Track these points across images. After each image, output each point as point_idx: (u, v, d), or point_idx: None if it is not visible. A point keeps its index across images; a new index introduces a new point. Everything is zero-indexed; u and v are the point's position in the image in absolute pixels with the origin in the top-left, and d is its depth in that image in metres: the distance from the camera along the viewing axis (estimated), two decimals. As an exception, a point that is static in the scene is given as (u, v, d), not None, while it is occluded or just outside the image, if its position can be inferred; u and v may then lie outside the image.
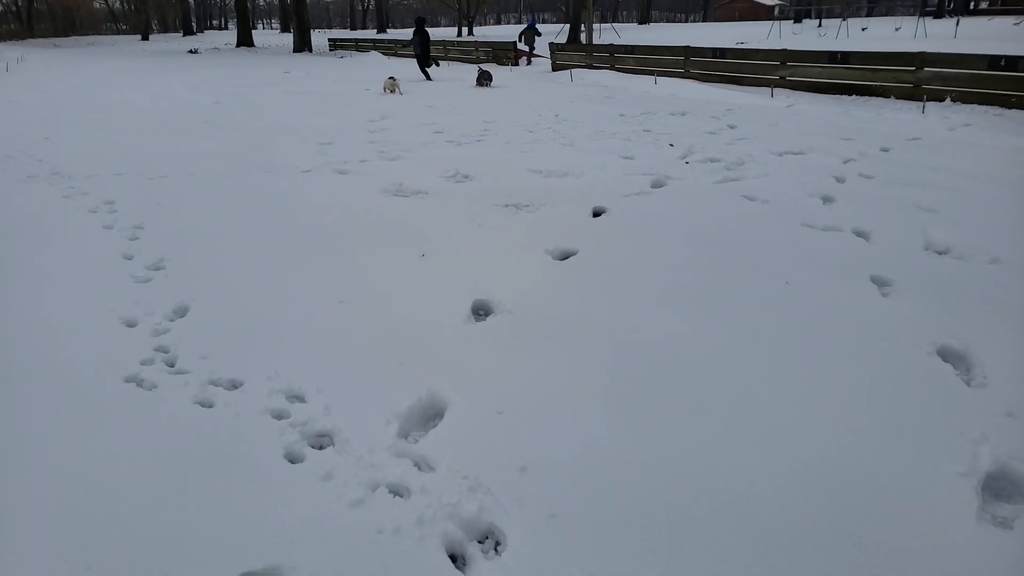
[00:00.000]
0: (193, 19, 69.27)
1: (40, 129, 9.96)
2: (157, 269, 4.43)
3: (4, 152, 8.10)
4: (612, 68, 19.43)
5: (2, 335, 3.49)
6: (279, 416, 2.85)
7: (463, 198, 6.24)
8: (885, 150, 7.96)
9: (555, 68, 21.47)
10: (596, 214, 5.74)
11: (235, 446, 2.66)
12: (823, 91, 14.12)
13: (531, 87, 16.53)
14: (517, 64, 23.41)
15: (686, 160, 7.48)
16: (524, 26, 29.18)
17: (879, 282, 4.24)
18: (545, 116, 11.16)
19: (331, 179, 6.93)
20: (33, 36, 57.95)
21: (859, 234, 5.11)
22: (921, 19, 34.29)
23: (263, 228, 5.30)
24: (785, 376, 3.14)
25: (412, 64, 20.81)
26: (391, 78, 15.89)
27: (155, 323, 3.62)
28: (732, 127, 9.76)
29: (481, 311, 3.90)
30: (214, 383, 3.08)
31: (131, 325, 3.61)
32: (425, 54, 19.70)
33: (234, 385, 3.08)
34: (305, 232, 5.21)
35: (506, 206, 5.92)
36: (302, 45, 35.55)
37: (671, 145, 8.32)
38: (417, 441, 2.73)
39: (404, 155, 8.11)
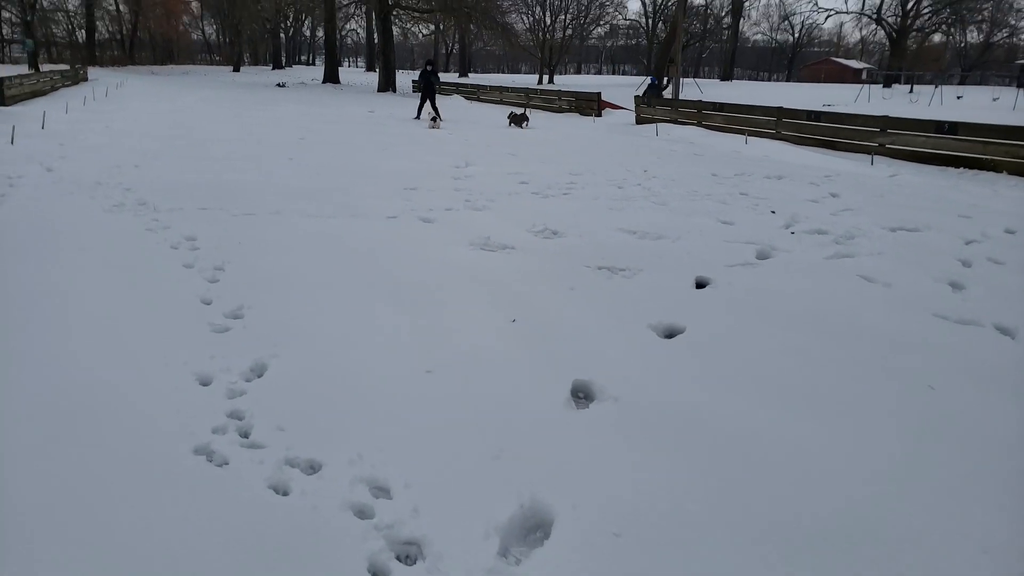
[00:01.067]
0: (283, 54, 72.19)
1: (131, 156, 10.11)
2: (236, 317, 4.17)
3: (95, 178, 8.17)
4: (699, 125, 19.03)
5: (69, 386, 3.24)
6: (362, 513, 2.48)
7: (553, 256, 5.89)
8: (1010, 232, 7.29)
9: (639, 122, 21.20)
10: (700, 285, 5.30)
11: (312, 547, 2.30)
12: (926, 161, 13.40)
13: (615, 140, 16.25)
14: (600, 115, 23.26)
15: (791, 230, 6.98)
16: (646, 83, 27.32)
17: (1041, 395, 3.66)
18: (634, 171, 10.80)
19: (416, 227, 6.68)
20: (133, 63, 61.15)
21: (1003, 331, 4.52)
22: (1020, 89, 32.93)
23: (347, 277, 5.03)
24: (942, 519, 2.61)
25: (492, 108, 20.81)
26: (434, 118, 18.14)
27: (231, 382, 3.33)
28: (834, 195, 9.20)
29: (581, 394, 3.49)
30: (291, 463, 2.74)
31: (205, 383, 3.33)
32: (429, 94, 19.96)
33: (312, 468, 2.73)
34: (390, 284, 4.92)
35: (599, 268, 5.54)
36: (386, 85, 36.37)
37: (772, 212, 7.82)
38: (520, 562, 2.32)
39: (489, 205, 7.84)
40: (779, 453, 2.96)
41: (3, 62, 45.90)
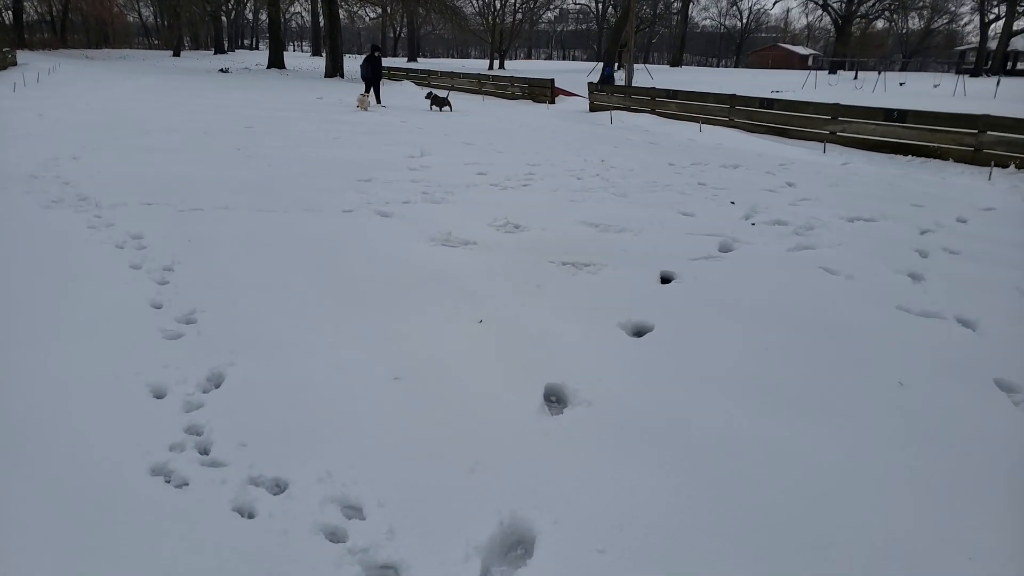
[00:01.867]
0: (225, 38, 70.16)
1: (69, 147, 9.63)
2: (189, 322, 3.96)
3: (29, 171, 7.74)
4: (652, 112, 19.09)
5: (3, 407, 3.01)
6: (334, 536, 2.35)
7: (516, 251, 5.78)
8: (962, 221, 7.45)
9: (592, 109, 21.18)
10: (665, 280, 5.25)
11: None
12: (876, 149, 13.68)
13: (571, 129, 16.18)
14: (554, 102, 23.16)
15: (752, 222, 7.00)
16: (601, 72, 26.90)
17: (1006, 388, 3.71)
18: (591, 161, 10.74)
19: (374, 222, 6.49)
20: (65, 46, 58.61)
21: (964, 323, 4.59)
22: (959, 76, 33.93)
23: (304, 276, 4.84)
24: (927, 522, 2.60)
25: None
26: (363, 95, 19.09)
27: (187, 394, 3.14)
28: (791, 184, 9.28)
29: (555, 398, 3.40)
30: (255, 482, 2.59)
31: (160, 396, 3.13)
32: (375, 80, 20.69)
33: (279, 486, 2.59)
34: (350, 284, 4.75)
35: (564, 264, 5.45)
36: (334, 71, 35.65)
37: (732, 203, 7.85)
38: (503, 585, 2.22)
39: (448, 198, 7.69)
40: (759, 455, 2.92)
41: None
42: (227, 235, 5.69)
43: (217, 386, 3.27)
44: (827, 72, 46.73)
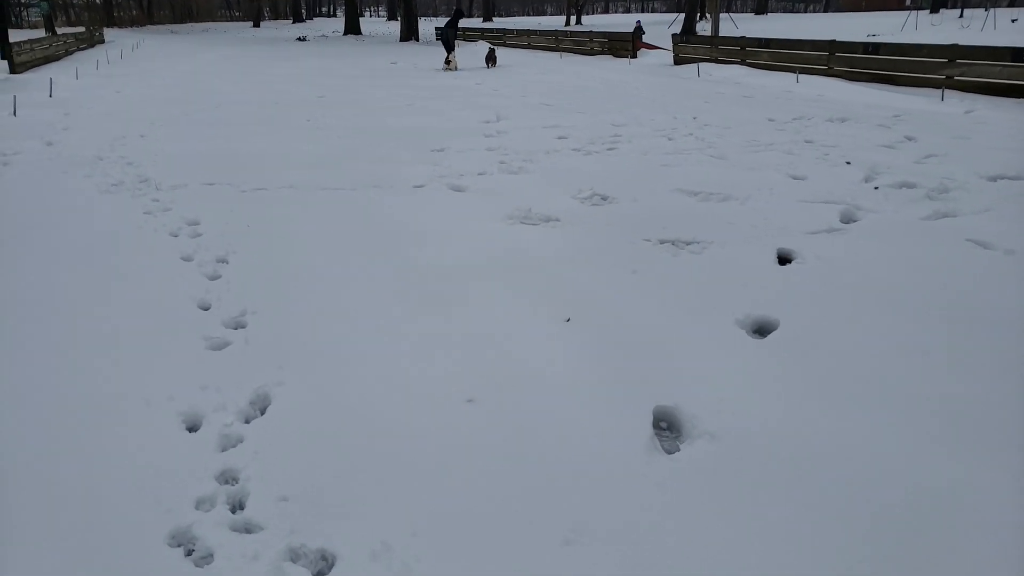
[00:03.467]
0: (303, 6, 70.62)
1: (138, 125, 9.42)
2: (238, 327, 3.49)
3: (95, 152, 7.49)
4: (742, 63, 17.75)
5: (7, 440, 2.58)
6: (390, 644, 1.80)
7: (605, 228, 5.10)
8: None
9: (677, 62, 19.92)
10: (783, 260, 4.48)
11: None
12: (1002, 94, 12.14)
13: (655, 84, 15.15)
14: (635, 56, 21.97)
15: (874, 185, 6.07)
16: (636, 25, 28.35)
17: None
18: (682, 119, 9.84)
19: (447, 198, 5.91)
20: (152, 23, 60.24)
21: None
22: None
23: (367, 267, 4.31)
24: None
25: (520, 53, 19.72)
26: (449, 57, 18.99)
27: (225, 424, 2.65)
28: (910, 139, 8.18)
29: (666, 426, 2.75)
30: (295, 555, 2.06)
31: (193, 428, 2.65)
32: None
33: (324, 559, 2.05)
34: (417, 275, 4.18)
35: (662, 242, 4.74)
36: (408, 34, 35.10)
37: (848, 163, 6.89)
38: None
39: (527, 167, 7.02)
40: (948, 507, 2.21)
41: (21, 27, 45.32)
42: (288, 219, 5.22)
43: (262, 412, 2.76)
44: (928, 12, 42.96)
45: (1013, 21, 33.15)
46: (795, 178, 6.39)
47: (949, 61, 13.22)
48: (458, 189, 6.20)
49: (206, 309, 3.66)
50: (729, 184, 6.17)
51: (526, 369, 3.08)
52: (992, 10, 36.38)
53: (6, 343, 3.29)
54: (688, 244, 4.70)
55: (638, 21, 29.80)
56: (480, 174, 6.73)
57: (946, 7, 47.01)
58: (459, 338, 3.39)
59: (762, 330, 3.51)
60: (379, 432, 2.61)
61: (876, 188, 5.98)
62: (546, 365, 3.11)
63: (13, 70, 16.78)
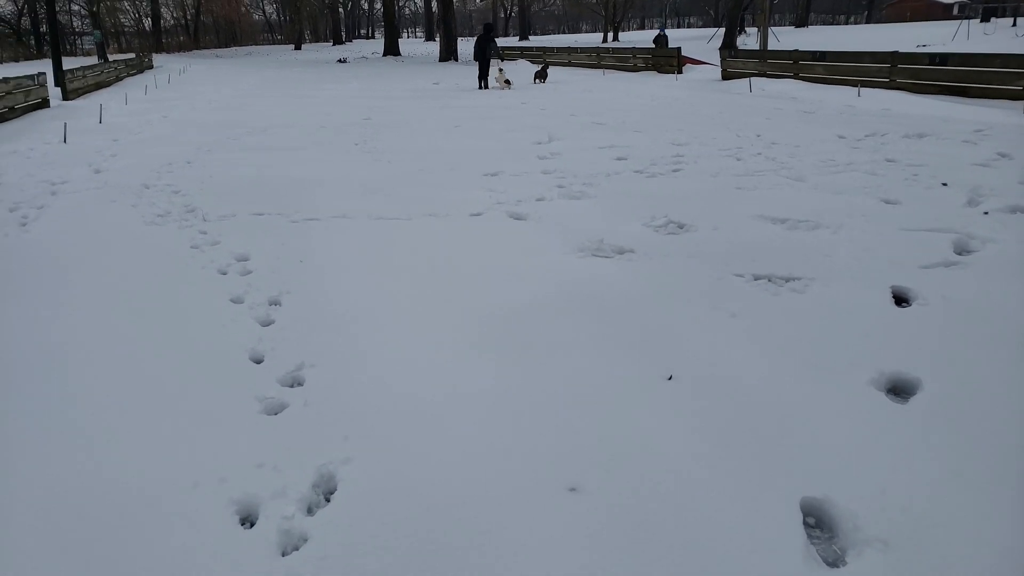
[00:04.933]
0: (343, 29, 71.59)
1: (185, 150, 9.21)
2: (294, 385, 3.08)
3: (142, 180, 7.24)
4: (795, 77, 17.15)
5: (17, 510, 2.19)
6: None
7: (686, 261, 4.63)
8: None
9: (725, 77, 19.37)
10: (899, 300, 3.95)
11: None
12: (1085, 106, 11.41)
13: (708, 100, 14.62)
14: (681, 72, 21.47)
15: (983, 210, 5.49)
16: (657, 33, 28.24)
17: None
18: (746, 137, 9.32)
19: (507, 227, 5.50)
20: (198, 47, 61.52)
21: None
22: None
23: (433, 308, 3.90)
24: None
25: (562, 71, 19.39)
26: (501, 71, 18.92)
27: (285, 517, 2.23)
28: (1005, 156, 7.56)
29: (817, 524, 2.24)
30: None
31: (248, 520, 2.24)
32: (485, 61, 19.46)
33: None
34: (489, 318, 3.75)
35: (756, 279, 4.25)
36: (448, 54, 35.09)
37: (944, 184, 6.31)
38: None
39: (587, 191, 6.58)
40: None
41: (75, 54, 46.51)
42: (344, 253, 4.84)
43: (327, 498, 2.34)
44: (979, 20, 41.52)
45: (1072, 31, 31.88)
46: (888, 202, 5.84)
47: (1026, 71, 12.50)
48: (518, 217, 5.78)
49: (259, 362, 3.27)
50: (815, 210, 5.65)
51: (634, 443, 2.61)
52: (1047, 20, 35.01)
53: (41, 406, 2.93)
54: (787, 281, 4.20)
55: (661, 30, 29.53)
56: (539, 200, 6.30)
57: (997, 16, 45.50)
58: (543, 397, 2.95)
59: (900, 390, 3.00)
60: (463, 526, 2.17)
61: (986, 213, 5.41)
62: (656, 437, 2.64)
63: (66, 96, 16.94)
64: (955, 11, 65.64)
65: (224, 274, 4.45)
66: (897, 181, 6.56)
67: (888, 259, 4.51)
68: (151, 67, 33.05)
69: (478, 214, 5.86)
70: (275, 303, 3.96)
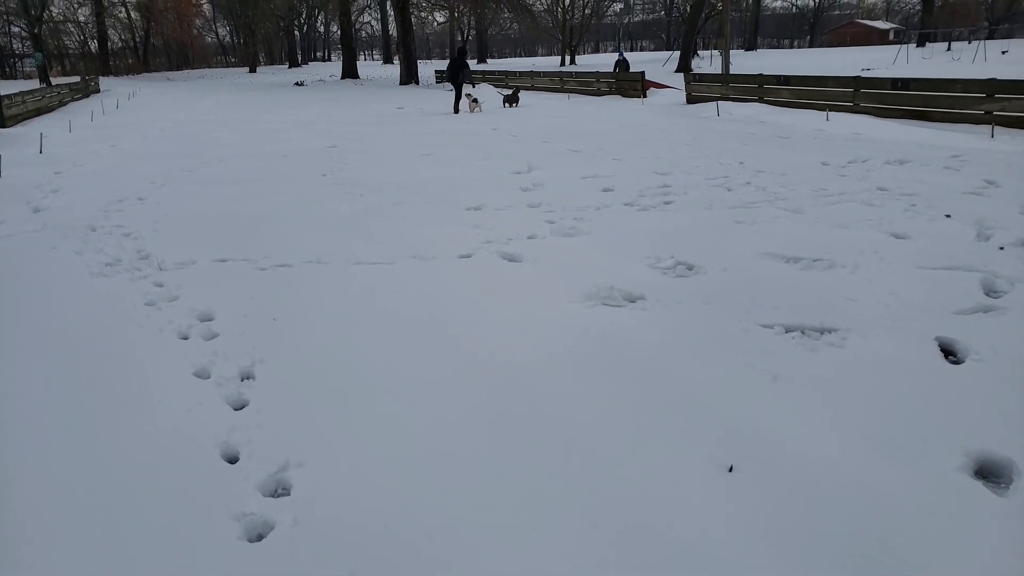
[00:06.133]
0: (299, 51, 70.74)
1: (137, 184, 8.54)
2: (279, 494, 2.54)
3: (88, 221, 6.57)
4: (760, 101, 17.11)
5: None
6: None
7: (704, 308, 4.22)
8: None
9: (690, 101, 19.29)
10: (947, 353, 3.59)
11: None
12: (1049, 129, 11.46)
13: (679, 125, 14.41)
14: (646, 96, 21.36)
15: (999, 245, 5.21)
16: (617, 58, 28.38)
17: None
18: (728, 165, 9.03)
19: (503, 272, 5.03)
20: (148, 70, 59.96)
21: None
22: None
23: (432, 375, 3.40)
24: None
25: (526, 96, 19.10)
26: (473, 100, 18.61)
27: None
28: (992, 183, 7.37)
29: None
30: None
31: None
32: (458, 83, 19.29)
33: None
34: (497, 388, 3.27)
35: (788, 331, 3.85)
36: (408, 77, 34.71)
37: (948, 216, 6.05)
38: None
39: (580, 226, 6.16)
40: None
41: (15, 78, 44.86)
42: (321, 307, 4.31)
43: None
44: (915, 45, 42.69)
45: (1004, 52, 32.94)
46: (896, 237, 5.54)
47: (988, 96, 12.56)
48: (512, 259, 5.32)
49: (233, 461, 2.72)
50: (824, 246, 5.31)
51: (692, 555, 2.15)
52: (982, 42, 36.14)
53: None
54: (821, 333, 3.81)
55: (621, 55, 29.72)
56: (531, 238, 5.86)
57: (931, 41, 46.83)
58: (566, 488, 2.48)
59: (989, 473, 2.60)
60: None
61: (1002, 248, 5.13)
62: (717, 547, 2.19)
63: (3, 124, 15.99)
64: (891, 36, 67.76)
65: (185, 339, 3.88)
66: (897, 212, 6.28)
67: (918, 304, 4.17)
68: (98, 91, 31.83)
69: (467, 255, 5.38)
70: (247, 376, 3.41)
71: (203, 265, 5.17)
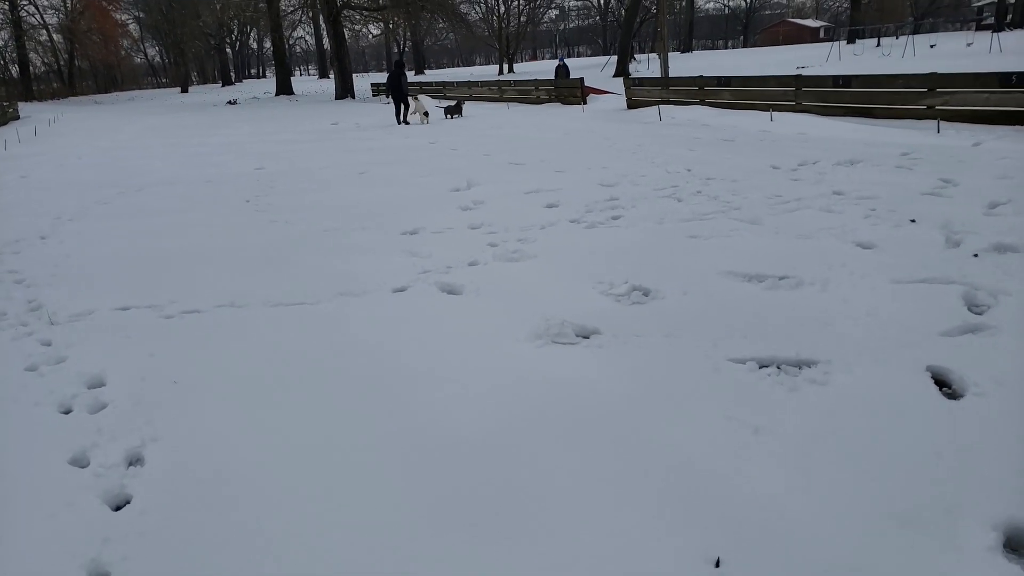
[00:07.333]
0: (231, 69, 69.12)
1: (41, 221, 7.79)
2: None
3: (-26, 268, 5.87)
4: (702, 103, 16.99)
5: None
6: None
7: (667, 342, 3.79)
8: None
9: (631, 106, 19.10)
10: (941, 384, 3.22)
11: None
12: (990, 121, 11.50)
13: (622, 131, 14.11)
14: (586, 103, 21.11)
15: (972, 252, 4.91)
16: (557, 64, 28.11)
17: None
18: (676, 172, 8.70)
19: (441, 306, 4.53)
20: (74, 94, 57.71)
21: None
22: (993, 34, 31.24)
23: (358, 456, 2.87)
24: None
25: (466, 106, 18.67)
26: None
27: None
28: (948, 182, 7.18)
29: None
30: None
31: None
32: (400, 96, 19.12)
33: None
34: (437, 471, 2.75)
35: (761, 366, 3.44)
36: (344, 92, 33.98)
37: (912, 221, 5.77)
38: None
39: (524, 249, 5.70)
40: None
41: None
42: (232, 364, 3.74)
43: None
44: (845, 42, 43.70)
45: (932, 47, 33.84)
46: (863, 247, 5.22)
47: (930, 90, 12.60)
48: (451, 291, 4.82)
49: (106, 584, 2.17)
50: (787, 260, 4.96)
51: None
52: (909, 37, 37.16)
53: None
54: (799, 368, 3.40)
55: (561, 60, 29.53)
56: (472, 264, 5.38)
57: (861, 38, 48.05)
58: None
59: (1019, 546, 2.20)
60: None
61: (976, 256, 4.83)
62: None
63: (-98, 158, 14.82)
64: (821, 34, 69.49)
65: (67, 412, 3.28)
66: (858, 219, 5.98)
67: (900, 325, 3.81)
68: (16, 118, 30.29)
69: (402, 289, 4.87)
70: (135, 461, 2.83)
71: (102, 315, 4.54)
